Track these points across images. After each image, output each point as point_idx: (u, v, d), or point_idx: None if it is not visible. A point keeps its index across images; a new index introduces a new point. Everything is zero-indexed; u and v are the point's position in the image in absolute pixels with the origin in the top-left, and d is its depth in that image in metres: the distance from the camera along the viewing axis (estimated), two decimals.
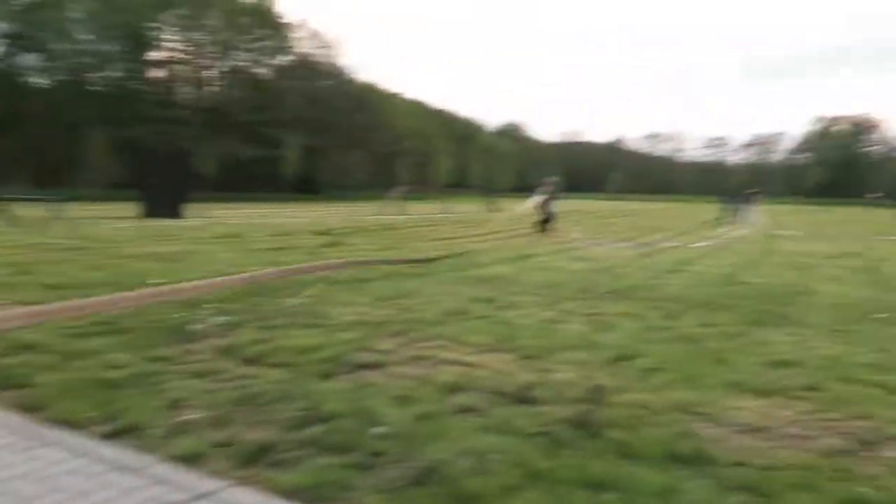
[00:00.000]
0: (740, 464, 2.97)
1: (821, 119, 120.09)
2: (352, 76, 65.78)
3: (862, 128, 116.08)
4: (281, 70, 60.75)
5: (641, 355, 4.74)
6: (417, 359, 4.58)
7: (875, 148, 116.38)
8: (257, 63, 59.88)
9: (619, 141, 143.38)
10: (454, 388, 3.89)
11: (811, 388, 4.05)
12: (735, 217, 28.51)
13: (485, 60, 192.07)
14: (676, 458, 3.00)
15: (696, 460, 2.99)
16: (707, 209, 46.97)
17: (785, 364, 4.62)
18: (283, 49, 60.82)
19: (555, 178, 20.15)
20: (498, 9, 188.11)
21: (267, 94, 56.77)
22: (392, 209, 29.86)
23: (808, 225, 28.84)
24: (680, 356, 4.76)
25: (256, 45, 58.79)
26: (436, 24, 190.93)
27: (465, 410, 3.53)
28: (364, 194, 57.04)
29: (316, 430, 3.20)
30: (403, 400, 3.66)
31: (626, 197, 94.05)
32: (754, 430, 3.38)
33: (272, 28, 59.06)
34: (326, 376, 4.08)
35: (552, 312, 6.40)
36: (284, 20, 59.82)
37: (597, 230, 20.37)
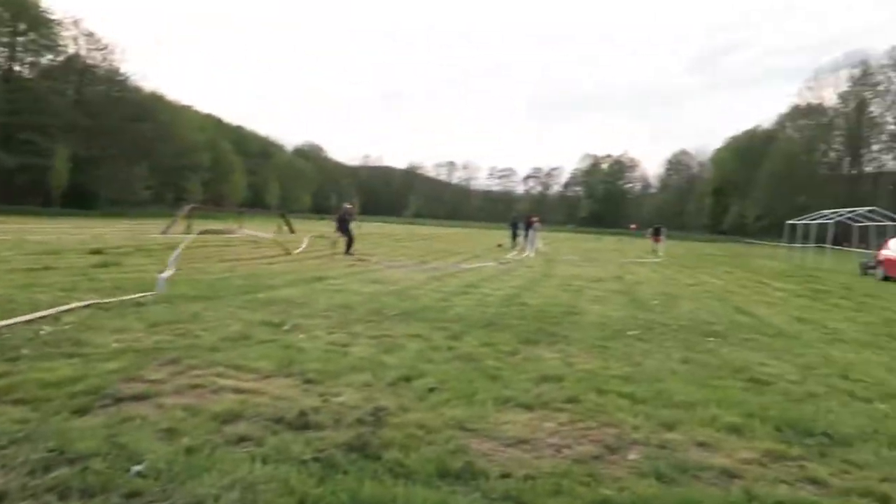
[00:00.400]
0: (506, 475, 3.17)
1: (589, 156, 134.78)
2: (136, 83, 60.89)
3: (623, 166, 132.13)
4: (47, 70, 54.33)
5: (424, 375, 4.90)
6: (192, 388, 4.30)
7: (634, 184, 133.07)
8: (15, 59, 52.96)
9: (416, 167, 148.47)
10: (229, 418, 3.70)
11: (571, 401, 4.46)
12: (520, 242, 30.63)
13: (287, 79, 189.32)
14: (449, 474, 3.13)
15: (467, 475, 3.14)
16: (496, 235, 50.12)
17: (551, 379, 5.03)
18: (50, 47, 54.42)
19: (350, 204, 20.31)
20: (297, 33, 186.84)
21: (28, 96, 50.42)
22: (180, 227, 27.96)
23: (581, 251, 31.93)
24: (459, 375, 4.98)
25: (14, 39, 52.00)
26: (237, 38, 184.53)
27: (240, 440, 3.38)
28: (149, 211, 52.81)
29: (63, 473, 2.86)
30: (171, 433, 3.40)
31: (422, 222, 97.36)
32: (521, 441, 3.63)
33: (36, 23, 52.60)
34: (81, 412, 3.67)
35: (340, 335, 6.39)
36: (52, 16, 53.60)
37: (392, 253, 20.76)
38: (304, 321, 7.04)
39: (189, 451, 3.18)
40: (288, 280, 11.14)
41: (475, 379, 4.89)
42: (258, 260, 15.41)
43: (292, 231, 34.45)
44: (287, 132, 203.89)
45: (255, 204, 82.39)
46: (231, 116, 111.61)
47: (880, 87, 68.83)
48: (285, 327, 6.58)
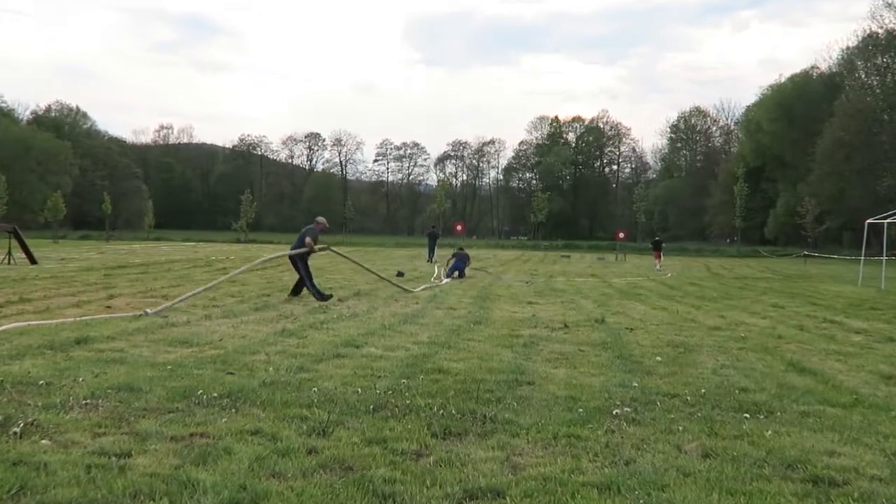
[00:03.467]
0: None
1: (543, 121, 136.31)
2: None
3: (602, 135, 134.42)
4: None
5: (263, 499, 4.86)
6: None
7: (620, 166, 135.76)
8: None
9: (251, 144, 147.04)
10: None
11: None
12: (437, 265, 31.29)
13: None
14: None
15: None
16: (394, 256, 50.04)
17: (483, 494, 5.08)
18: None
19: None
20: None
21: None
22: None
23: (538, 277, 32.37)
24: (326, 497, 4.95)
25: None
26: None
27: None
28: None
29: None
30: None
31: (268, 237, 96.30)
32: None
33: None
34: None
35: (116, 437, 6.25)
36: None
37: (213, 293, 20.36)
38: (51, 417, 6.83)
39: None
40: (22, 345, 10.76)
41: (354, 502, 4.84)
42: None
43: (32, 260, 33.35)
44: (22, 89, 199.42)
45: None
46: None
47: None
48: (14, 429, 6.36)
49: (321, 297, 19.35)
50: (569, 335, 13.81)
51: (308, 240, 20.01)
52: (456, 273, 30.20)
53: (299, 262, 19.87)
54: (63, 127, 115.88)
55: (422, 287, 24.52)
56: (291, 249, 20.29)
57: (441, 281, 28.41)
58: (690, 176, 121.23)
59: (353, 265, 25.56)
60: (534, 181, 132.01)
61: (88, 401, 7.50)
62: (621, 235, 69.18)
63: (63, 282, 23.73)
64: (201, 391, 8.04)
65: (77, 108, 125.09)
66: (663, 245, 44.49)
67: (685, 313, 18.51)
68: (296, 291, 20.02)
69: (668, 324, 16.06)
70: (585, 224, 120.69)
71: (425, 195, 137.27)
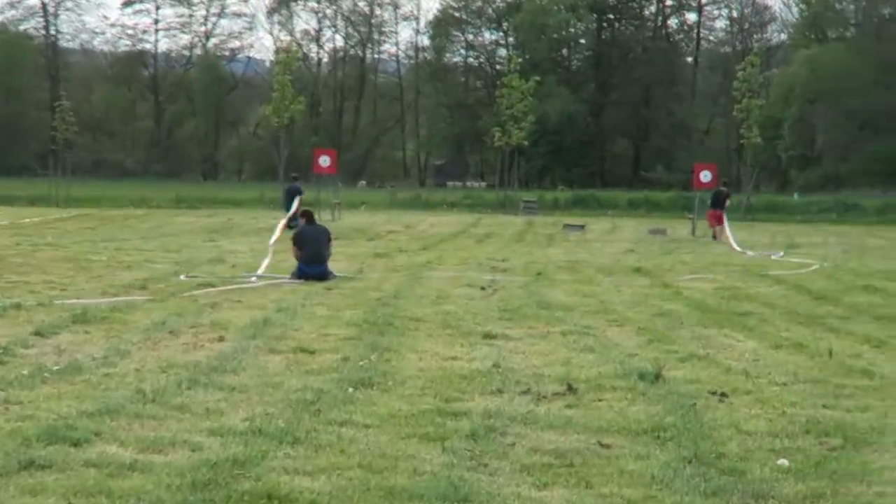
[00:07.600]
0: None
1: None
2: None
3: None
4: None
5: None
6: None
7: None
8: None
9: None
10: None
11: None
12: (273, 248, 33.59)
13: None
14: None
15: None
16: (179, 226, 49.14)
17: None
18: None
19: None
20: None
21: None
22: None
23: (507, 273, 31.77)
24: None
25: None
26: None
27: None
28: None
29: None
30: None
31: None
32: None
33: None
34: None
35: None
36: None
37: None
38: None
39: None
40: None
41: None
42: None
43: None
44: None
45: None
46: None
47: None
48: None
49: None
50: (576, 411, 11.80)
51: None
52: (295, 278, 27.21)
53: None
54: None
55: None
56: None
57: (254, 277, 27.11)
58: (861, 40, 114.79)
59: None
60: (500, 54, 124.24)
61: None
62: (705, 177, 57.00)
63: None
64: None
65: None
66: (729, 200, 43.33)
67: (848, 354, 16.43)
68: None
69: (810, 381, 13.97)
70: (623, 151, 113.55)
71: (246, 85, 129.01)
